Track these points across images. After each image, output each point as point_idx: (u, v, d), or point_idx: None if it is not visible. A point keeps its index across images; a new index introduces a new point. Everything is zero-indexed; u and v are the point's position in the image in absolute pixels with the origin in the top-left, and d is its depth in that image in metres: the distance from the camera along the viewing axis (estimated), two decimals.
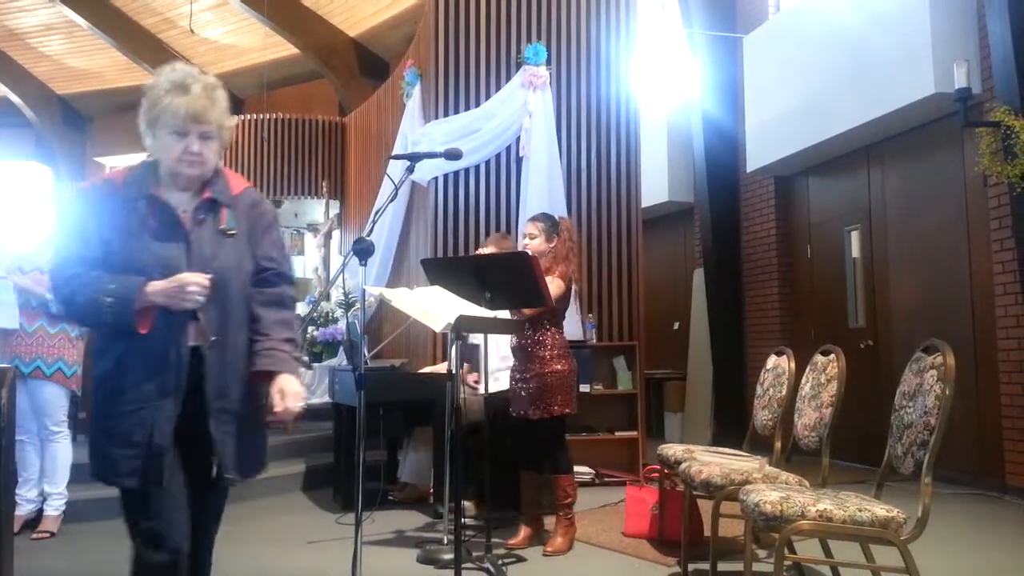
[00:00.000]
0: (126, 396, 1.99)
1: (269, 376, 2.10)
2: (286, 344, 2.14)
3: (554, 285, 4.01)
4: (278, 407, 2.07)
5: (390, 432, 5.33)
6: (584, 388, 5.77)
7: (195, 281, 1.97)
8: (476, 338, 4.66)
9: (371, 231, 3.09)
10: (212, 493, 2.18)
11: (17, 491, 4.19)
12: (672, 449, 3.98)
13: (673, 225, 9.78)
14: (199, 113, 2.02)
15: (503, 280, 3.78)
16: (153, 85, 2.05)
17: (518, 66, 6.37)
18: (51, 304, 4.35)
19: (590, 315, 6.35)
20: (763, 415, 3.87)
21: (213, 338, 2.04)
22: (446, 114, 6.31)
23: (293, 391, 2.09)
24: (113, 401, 2.00)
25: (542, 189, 6.14)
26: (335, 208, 9.78)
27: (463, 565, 3.33)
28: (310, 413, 5.50)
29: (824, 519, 2.51)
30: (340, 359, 7.48)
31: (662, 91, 8.95)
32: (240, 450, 2.09)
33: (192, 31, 11.37)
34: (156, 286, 1.96)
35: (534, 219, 4.31)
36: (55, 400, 4.41)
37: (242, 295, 2.12)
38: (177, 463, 2.05)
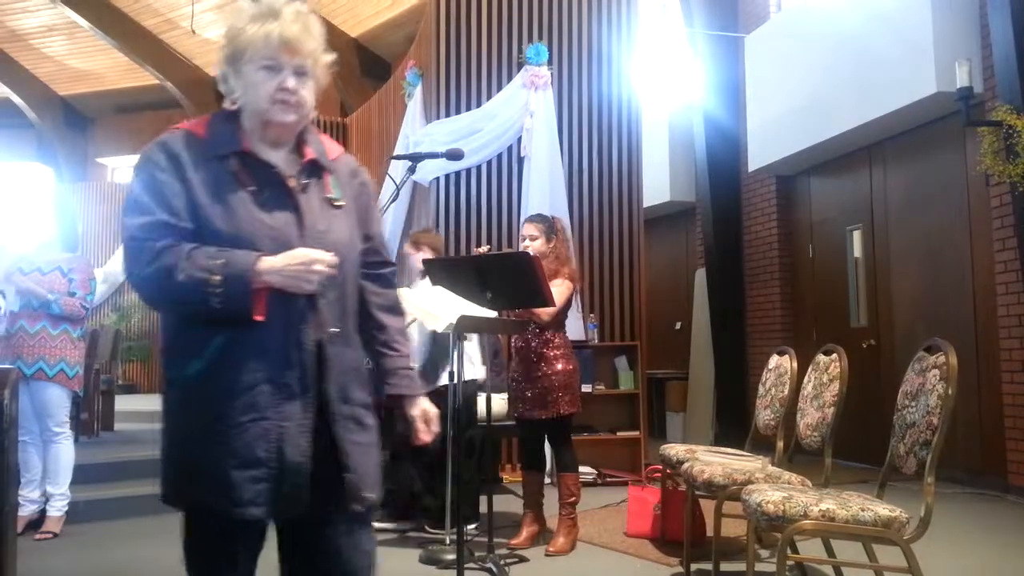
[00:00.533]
0: (237, 402, 1.57)
1: (399, 399, 1.84)
2: (410, 360, 1.87)
3: (565, 287, 4.07)
4: (425, 435, 1.82)
5: (391, 435, 5.32)
6: (586, 388, 5.76)
7: (322, 258, 1.59)
8: None
9: None
10: (338, 525, 1.71)
11: (20, 492, 4.20)
12: (674, 449, 3.98)
13: (675, 225, 9.77)
14: (293, 41, 1.64)
15: (505, 281, 3.78)
16: (235, 19, 1.68)
17: (519, 66, 6.38)
18: (54, 305, 4.36)
19: (591, 315, 6.35)
20: (765, 415, 3.86)
21: (335, 330, 1.66)
22: (447, 114, 6.31)
23: (436, 415, 1.85)
24: (219, 408, 1.58)
25: (543, 189, 6.15)
26: None
27: (465, 565, 3.33)
28: None
29: (826, 519, 2.51)
30: None
31: (663, 91, 8.94)
32: (370, 466, 1.71)
33: (194, 32, 11.37)
34: (272, 263, 1.56)
35: (532, 220, 4.33)
36: (57, 401, 4.41)
37: (355, 280, 1.76)
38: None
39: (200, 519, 1.66)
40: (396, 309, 1.88)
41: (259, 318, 1.57)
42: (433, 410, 1.84)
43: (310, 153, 1.73)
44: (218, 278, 1.53)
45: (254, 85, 1.65)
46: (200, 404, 1.60)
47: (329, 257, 1.60)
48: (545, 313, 3.99)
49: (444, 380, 4.32)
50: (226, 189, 1.61)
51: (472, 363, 4.42)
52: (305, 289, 1.59)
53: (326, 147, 1.78)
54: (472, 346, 4.52)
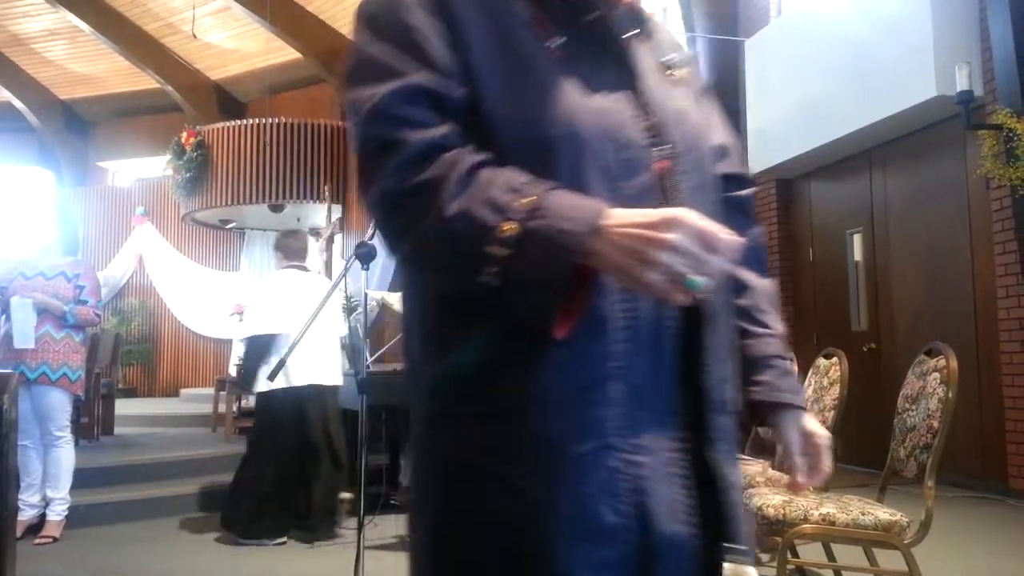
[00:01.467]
0: (558, 420, 0.87)
1: (769, 410, 1.09)
2: (783, 344, 1.16)
3: None
4: (812, 473, 1.07)
5: (392, 436, 5.33)
6: None
7: (722, 239, 0.79)
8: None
9: (373, 235, 3.09)
10: None
11: (20, 496, 4.20)
12: None
13: None
14: None
15: None
16: None
17: None
18: (68, 316, 4.35)
19: None
20: None
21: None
22: None
23: (828, 442, 1.08)
24: (523, 430, 0.88)
25: None
26: (337, 212, 9.80)
27: None
28: None
29: (827, 523, 2.51)
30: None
31: None
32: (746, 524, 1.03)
33: (195, 36, 11.38)
34: (618, 226, 0.80)
35: None
36: (59, 405, 4.41)
37: (718, 200, 1.05)
38: None
39: None
40: (760, 259, 1.16)
41: (561, 333, 0.83)
42: (824, 434, 1.09)
43: None
44: (513, 228, 0.80)
45: None
46: (485, 425, 0.90)
47: (735, 239, 0.80)
48: None
49: (262, 386, 4.23)
50: (516, 40, 0.93)
51: (316, 366, 4.35)
52: (646, 286, 0.79)
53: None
54: (321, 348, 4.39)
